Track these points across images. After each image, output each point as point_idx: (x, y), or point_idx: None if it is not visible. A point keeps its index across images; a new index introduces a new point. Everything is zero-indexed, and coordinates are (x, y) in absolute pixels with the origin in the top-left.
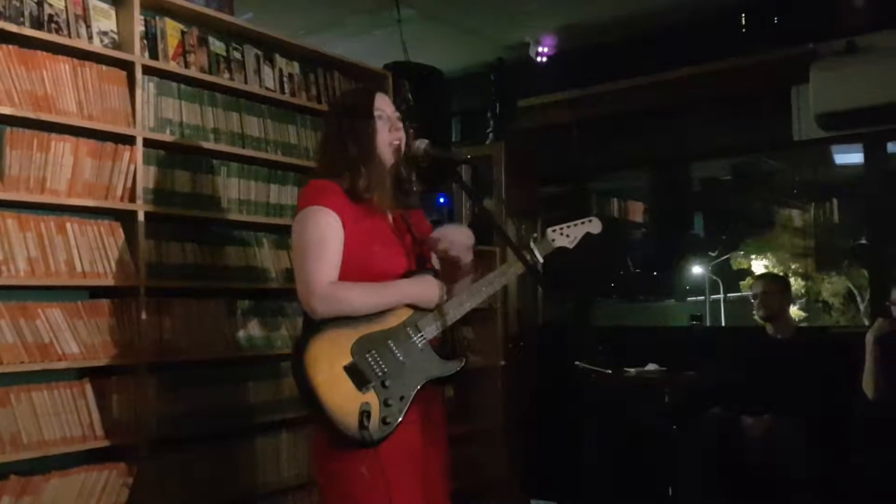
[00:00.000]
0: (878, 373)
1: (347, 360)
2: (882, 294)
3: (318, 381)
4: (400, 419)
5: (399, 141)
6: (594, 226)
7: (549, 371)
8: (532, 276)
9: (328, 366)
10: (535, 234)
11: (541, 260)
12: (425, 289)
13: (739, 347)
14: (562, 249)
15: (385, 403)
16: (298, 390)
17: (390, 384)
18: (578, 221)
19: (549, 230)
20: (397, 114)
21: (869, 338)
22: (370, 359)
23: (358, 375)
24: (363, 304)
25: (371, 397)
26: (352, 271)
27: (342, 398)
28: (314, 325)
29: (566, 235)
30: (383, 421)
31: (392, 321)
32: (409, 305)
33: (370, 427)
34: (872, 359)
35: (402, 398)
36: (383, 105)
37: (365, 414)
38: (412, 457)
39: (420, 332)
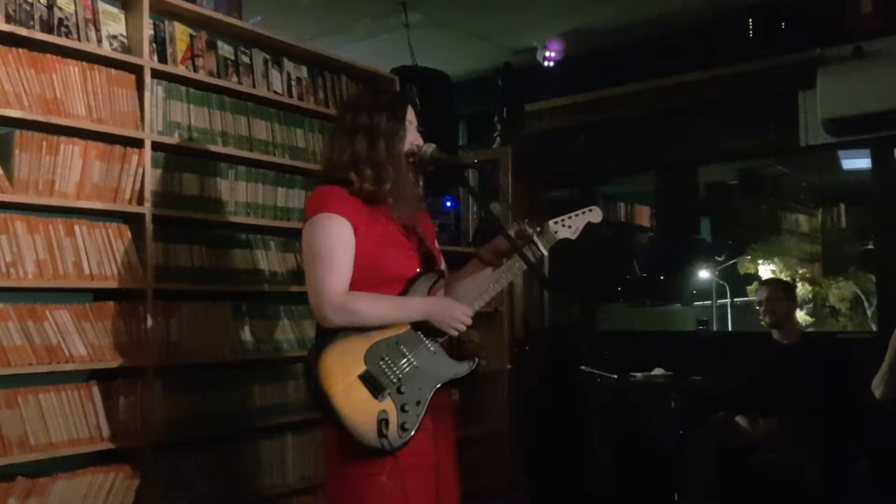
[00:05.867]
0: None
1: (361, 368)
2: (890, 299)
3: (333, 391)
4: (418, 424)
5: (414, 153)
6: (595, 215)
7: (554, 375)
8: (537, 275)
9: (342, 376)
10: (538, 228)
11: (545, 253)
12: (444, 312)
13: (746, 352)
14: (565, 240)
15: (402, 409)
16: (314, 402)
17: (406, 390)
18: (579, 212)
19: (551, 222)
20: (420, 128)
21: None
22: (384, 365)
23: (373, 383)
24: (377, 316)
25: (388, 404)
26: (365, 275)
27: (359, 407)
28: (326, 335)
29: (568, 226)
30: (402, 427)
31: (403, 326)
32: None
33: (389, 435)
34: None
35: (418, 403)
36: (411, 116)
37: (383, 422)
38: (427, 463)
39: (431, 335)
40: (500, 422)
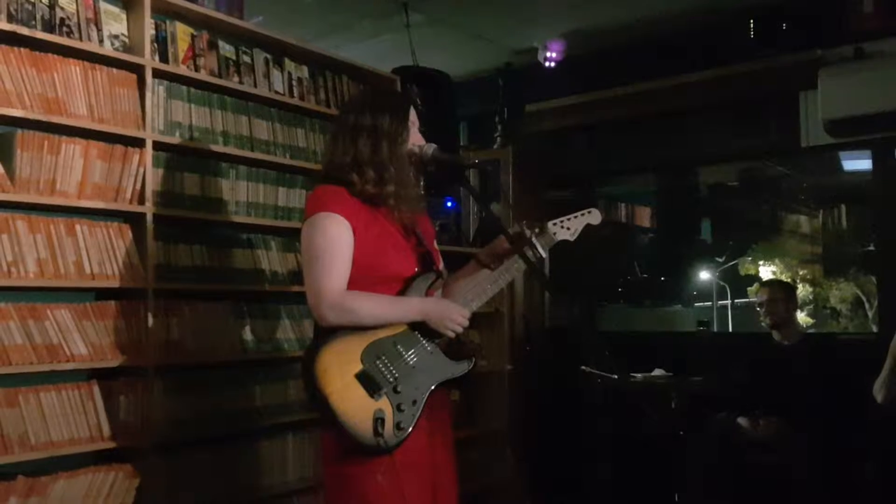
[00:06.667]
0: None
1: (358, 367)
2: (891, 300)
3: (329, 390)
4: (414, 423)
5: (416, 154)
6: (594, 217)
7: (554, 375)
8: (536, 277)
9: (339, 375)
10: (536, 229)
11: (544, 255)
12: (440, 313)
13: (746, 353)
14: (563, 242)
15: (398, 409)
16: (311, 401)
17: (402, 389)
18: (578, 213)
19: (550, 224)
20: (421, 128)
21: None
22: (380, 365)
23: (369, 382)
24: (374, 316)
25: (384, 403)
26: (363, 274)
27: (355, 406)
28: (324, 334)
29: (567, 228)
30: (397, 426)
31: (400, 325)
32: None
33: (385, 434)
34: (893, 366)
35: (414, 402)
36: (413, 117)
37: (379, 421)
38: (423, 461)
39: (428, 335)
40: (500, 422)
